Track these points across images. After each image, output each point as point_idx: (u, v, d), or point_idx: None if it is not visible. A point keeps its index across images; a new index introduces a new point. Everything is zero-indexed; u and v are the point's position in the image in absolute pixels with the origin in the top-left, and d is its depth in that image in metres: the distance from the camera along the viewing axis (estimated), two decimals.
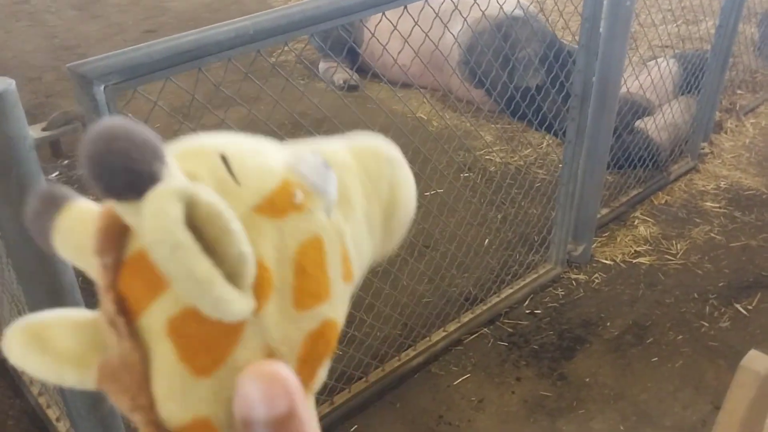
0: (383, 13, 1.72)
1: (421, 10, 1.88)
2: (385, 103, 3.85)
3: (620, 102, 2.59)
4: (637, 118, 3.22)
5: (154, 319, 0.37)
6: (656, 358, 2.37)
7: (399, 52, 1.94)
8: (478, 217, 2.82)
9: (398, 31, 1.84)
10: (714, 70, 3.19)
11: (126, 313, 0.37)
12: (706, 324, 2.50)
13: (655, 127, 3.17)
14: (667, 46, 3.90)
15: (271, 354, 0.39)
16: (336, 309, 0.43)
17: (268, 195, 0.39)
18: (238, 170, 0.39)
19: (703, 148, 3.41)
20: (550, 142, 3.53)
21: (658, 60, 3.40)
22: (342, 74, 4.14)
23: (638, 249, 2.88)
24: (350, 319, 2.39)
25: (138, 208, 0.34)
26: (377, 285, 2.29)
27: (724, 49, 3.12)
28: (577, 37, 2.30)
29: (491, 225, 2.87)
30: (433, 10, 1.80)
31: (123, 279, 0.37)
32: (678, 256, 2.82)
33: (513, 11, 3.33)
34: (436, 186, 3.06)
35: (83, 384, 0.40)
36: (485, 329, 2.52)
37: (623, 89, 2.70)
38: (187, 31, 1.39)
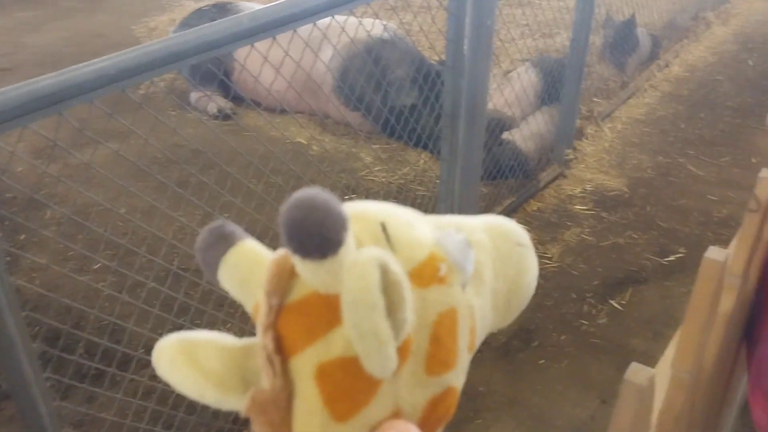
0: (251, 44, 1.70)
1: (290, 40, 1.88)
2: (263, 130, 3.81)
3: (486, 118, 2.70)
4: (503, 131, 3.37)
5: (306, 362, 0.41)
6: (543, 360, 2.47)
7: (272, 82, 1.93)
8: None
9: (269, 62, 1.82)
10: (571, 80, 3.40)
11: (280, 352, 0.41)
12: (586, 322, 2.64)
13: (521, 137, 3.33)
14: (527, 60, 4.11)
15: (397, 413, 0.42)
16: (459, 377, 0.47)
17: (417, 266, 0.43)
18: (394, 239, 0.44)
19: (567, 155, 3.61)
20: (427, 159, 3.62)
21: (519, 70, 3.58)
22: (216, 103, 4.06)
23: None
24: None
25: (318, 267, 0.39)
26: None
27: (578, 61, 3.34)
28: (443, 57, 2.37)
29: None
30: (303, 39, 1.80)
31: (283, 320, 0.42)
32: (554, 259, 2.96)
33: (381, 34, 3.41)
34: None
35: (220, 404, 0.44)
36: None
37: (489, 105, 2.81)
38: (46, 74, 1.31)
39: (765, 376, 1.28)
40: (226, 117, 4.05)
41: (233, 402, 0.45)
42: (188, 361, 0.44)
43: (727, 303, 1.05)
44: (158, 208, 1.83)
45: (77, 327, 2.32)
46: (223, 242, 0.45)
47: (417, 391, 0.43)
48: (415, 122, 2.87)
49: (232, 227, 0.45)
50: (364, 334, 0.38)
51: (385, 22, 3.52)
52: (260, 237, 1.80)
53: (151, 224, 2.33)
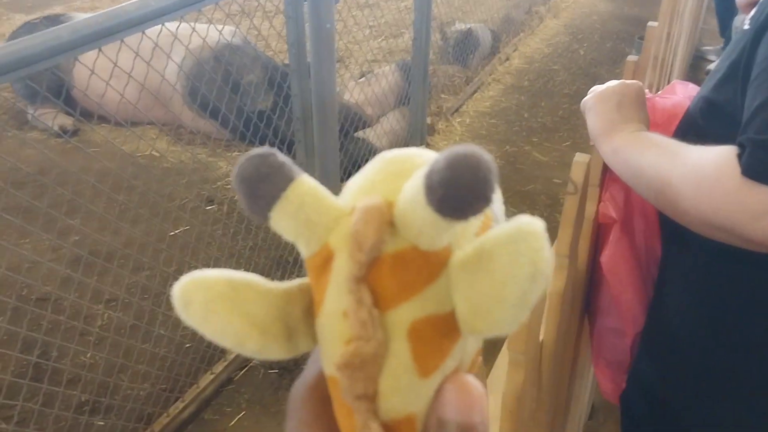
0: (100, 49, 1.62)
1: (138, 47, 1.80)
2: (112, 146, 3.62)
3: (343, 112, 2.72)
4: (357, 129, 3.41)
5: (399, 319, 0.40)
6: None
7: (119, 100, 1.84)
8: (226, 251, 2.78)
9: (97, 75, 1.73)
10: (417, 78, 3.49)
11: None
12: None
13: (375, 135, 3.39)
14: (375, 61, 4.19)
15: (461, 366, 0.42)
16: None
17: (481, 224, 0.43)
18: None
19: None
20: None
21: (385, 70, 3.63)
22: (58, 119, 3.81)
23: None
24: (104, 387, 2.21)
25: (453, 226, 0.38)
26: (127, 343, 2.15)
27: (422, 59, 3.44)
28: (286, 61, 2.36)
29: (242, 255, 2.84)
30: (132, 49, 1.73)
31: (374, 274, 0.39)
32: None
33: (229, 40, 3.35)
34: (181, 225, 2.95)
35: (261, 353, 0.40)
36: (254, 361, 2.49)
37: (348, 98, 2.83)
38: None
39: (604, 347, 1.39)
40: (72, 134, 3.82)
41: (276, 350, 0.42)
42: (230, 304, 0.40)
43: (558, 282, 1.12)
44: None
45: None
46: (281, 174, 0.39)
47: (472, 342, 0.44)
48: (266, 127, 2.84)
49: (284, 157, 0.40)
50: (527, 306, 0.38)
51: (231, 28, 3.46)
52: (109, 257, 1.71)
53: None
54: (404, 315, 0.40)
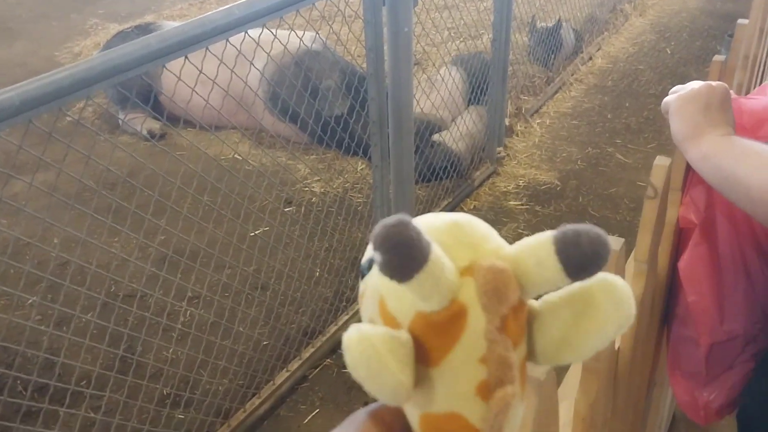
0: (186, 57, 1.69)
1: (203, 58, 1.87)
2: (197, 150, 3.75)
3: (415, 122, 2.73)
4: (433, 134, 3.41)
5: (517, 359, 0.49)
6: None
7: (204, 105, 1.91)
8: (302, 251, 2.83)
9: (183, 81, 1.80)
10: (496, 79, 3.46)
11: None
12: None
13: (452, 138, 3.38)
14: (458, 54, 4.16)
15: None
16: None
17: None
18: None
19: (499, 152, 3.68)
20: (364, 167, 3.64)
21: (441, 71, 3.62)
22: (146, 124, 4.00)
23: None
24: (185, 382, 2.30)
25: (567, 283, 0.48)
26: (208, 339, 2.22)
27: (502, 60, 3.40)
28: (365, 65, 2.39)
29: (318, 256, 2.89)
30: (217, 56, 1.78)
31: (508, 325, 0.48)
32: None
33: (310, 46, 3.41)
34: (261, 225, 3.03)
35: (404, 401, 0.49)
36: (328, 360, 2.52)
37: (417, 110, 2.85)
38: None
39: (680, 357, 1.33)
40: (160, 138, 3.99)
41: (408, 395, 0.48)
42: (394, 358, 0.47)
43: (637, 289, 1.09)
44: (87, 237, 1.79)
45: (12, 364, 2.25)
46: (424, 241, 0.46)
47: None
48: (343, 131, 2.88)
49: (424, 237, 0.46)
50: (608, 343, 0.50)
51: (312, 34, 3.53)
52: (192, 256, 1.77)
53: (81, 254, 2.28)
54: (520, 355, 0.50)
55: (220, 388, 2.33)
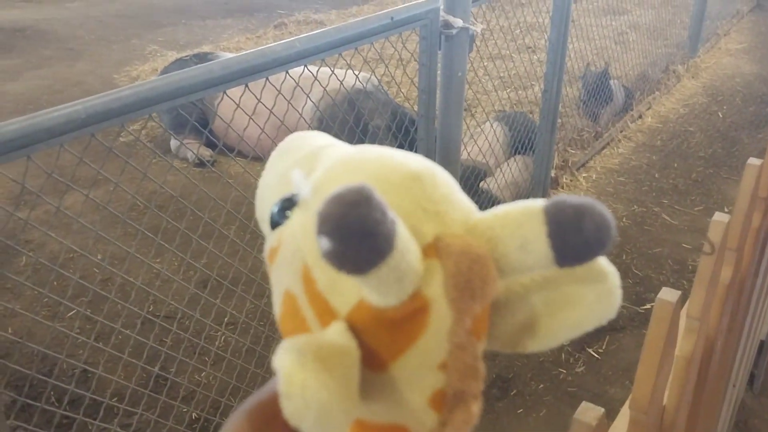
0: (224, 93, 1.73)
1: (281, 85, 1.91)
2: (244, 178, 3.83)
3: (462, 167, 2.74)
4: (479, 181, 3.41)
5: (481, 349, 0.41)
6: (521, 409, 2.45)
7: (259, 134, 1.95)
8: None
9: (241, 109, 1.85)
10: (544, 130, 3.46)
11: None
12: (564, 371, 2.63)
13: (497, 187, 3.38)
14: (501, 111, 4.19)
15: None
16: None
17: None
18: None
19: None
20: None
21: (484, 126, 3.66)
22: (194, 152, 4.09)
23: None
24: (215, 407, 2.29)
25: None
26: (242, 365, 2.23)
27: (551, 112, 3.41)
28: (416, 107, 2.42)
29: None
30: (276, 88, 1.83)
31: (477, 323, 0.39)
32: None
33: (362, 85, 3.48)
34: None
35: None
36: None
37: (464, 155, 2.86)
38: (14, 118, 1.32)
39: None
40: (208, 165, 4.08)
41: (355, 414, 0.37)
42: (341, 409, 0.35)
43: (687, 346, 1.06)
44: (134, 255, 1.82)
45: (49, 374, 2.28)
46: (387, 247, 0.34)
47: None
48: None
49: (393, 227, 0.35)
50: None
51: (366, 74, 3.60)
52: (234, 281, 1.78)
53: (125, 270, 2.32)
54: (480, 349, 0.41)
55: None
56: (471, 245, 0.38)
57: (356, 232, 0.32)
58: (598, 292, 0.40)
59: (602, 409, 0.68)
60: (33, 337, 2.58)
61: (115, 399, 2.21)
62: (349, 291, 0.38)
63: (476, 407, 0.38)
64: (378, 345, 0.37)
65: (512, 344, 0.43)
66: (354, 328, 0.37)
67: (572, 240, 0.37)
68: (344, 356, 0.36)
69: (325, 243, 0.33)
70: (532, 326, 0.42)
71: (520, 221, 0.38)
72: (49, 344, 2.13)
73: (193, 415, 2.29)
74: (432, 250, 0.38)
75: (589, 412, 0.65)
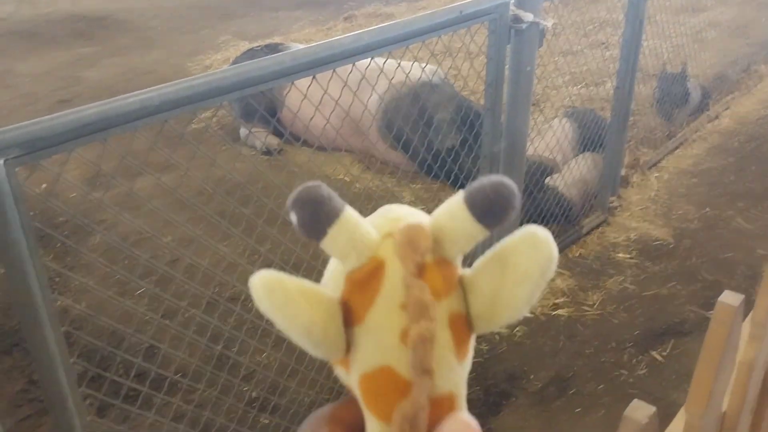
0: (292, 83, 1.77)
1: (347, 77, 1.94)
2: (309, 167, 3.90)
3: (527, 162, 2.71)
4: (545, 177, 3.37)
5: (443, 310, 0.50)
6: (579, 409, 2.42)
7: (324, 125, 1.99)
8: None
9: (310, 101, 1.88)
10: (615, 128, 3.38)
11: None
12: (625, 372, 2.58)
13: (564, 183, 3.32)
14: (571, 107, 4.12)
15: (460, 393, 0.53)
16: None
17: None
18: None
19: (612, 202, 3.58)
20: None
21: (553, 122, 3.59)
22: (267, 139, 4.18)
23: (556, 301, 2.96)
24: (274, 386, 2.35)
25: (483, 235, 0.49)
26: (301, 349, 2.27)
27: (623, 109, 3.33)
28: (482, 101, 2.40)
29: None
30: (343, 80, 1.86)
31: (425, 273, 0.49)
32: (594, 307, 2.92)
33: (428, 79, 3.48)
34: None
35: (320, 346, 0.49)
36: None
37: (530, 150, 2.83)
38: (92, 103, 1.39)
39: None
40: (274, 153, 4.17)
41: (329, 348, 0.50)
42: (304, 297, 0.49)
43: (750, 352, 1.03)
44: (201, 238, 1.89)
45: (118, 347, 2.39)
46: (337, 200, 0.49)
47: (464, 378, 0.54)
48: (453, 163, 2.90)
49: (336, 196, 0.50)
50: (532, 303, 0.49)
51: (433, 67, 3.60)
52: (295, 267, 1.82)
53: (192, 252, 2.40)
54: (446, 307, 0.50)
55: (306, 398, 2.37)
56: (412, 222, 0.51)
57: (308, 203, 0.48)
58: (532, 244, 0.49)
59: (654, 408, 0.68)
60: (104, 311, 2.70)
61: (179, 375, 2.30)
62: (339, 275, 0.52)
63: (426, 323, 0.48)
64: (355, 303, 0.50)
65: (490, 319, 0.52)
66: (345, 300, 0.51)
67: (477, 198, 0.48)
68: (314, 291, 0.50)
69: (293, 217, 0.48)
70: (497, 295, 0.50)
71: (449, 202, 0.51)
72: (118, 319, 2.23)
73: (253, 394, 2.36)
74: (389, 235, 0.51)
75: (640, 410, 0.64)
